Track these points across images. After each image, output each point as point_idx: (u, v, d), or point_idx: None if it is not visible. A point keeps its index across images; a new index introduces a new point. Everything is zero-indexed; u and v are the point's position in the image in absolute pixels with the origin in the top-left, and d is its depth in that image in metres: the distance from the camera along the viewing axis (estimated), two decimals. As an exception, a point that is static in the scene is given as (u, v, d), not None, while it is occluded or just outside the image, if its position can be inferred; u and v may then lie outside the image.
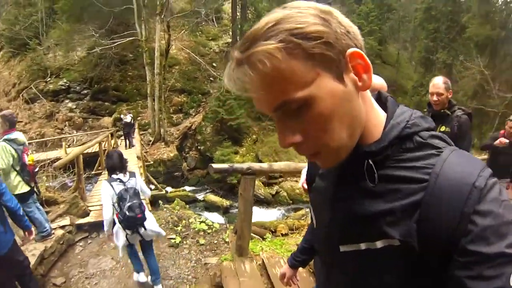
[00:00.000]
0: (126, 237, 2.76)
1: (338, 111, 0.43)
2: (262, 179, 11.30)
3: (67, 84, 14.44)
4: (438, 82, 2.46)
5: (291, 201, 10.77)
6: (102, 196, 2.66)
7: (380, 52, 19.26)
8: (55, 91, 14.44)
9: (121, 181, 2.63)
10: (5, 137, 3.30)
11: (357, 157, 0.48)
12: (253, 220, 8.84)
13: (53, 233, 4.02)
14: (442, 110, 2.48)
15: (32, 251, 3.59)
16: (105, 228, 2.73)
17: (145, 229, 2.72)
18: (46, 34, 17.14)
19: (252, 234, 4.44)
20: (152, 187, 8.12)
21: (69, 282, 3.70)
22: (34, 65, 15.67)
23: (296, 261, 1.16)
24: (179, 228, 4.96)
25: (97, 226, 4.83)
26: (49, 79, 14.89)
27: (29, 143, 5.00)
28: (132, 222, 2.61)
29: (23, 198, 3.51)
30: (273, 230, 5.81)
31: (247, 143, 11.90)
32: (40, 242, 3.80)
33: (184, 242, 4.65)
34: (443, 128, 2.49)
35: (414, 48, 22.59)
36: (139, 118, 12.64)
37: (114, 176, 2.67)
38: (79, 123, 13.34)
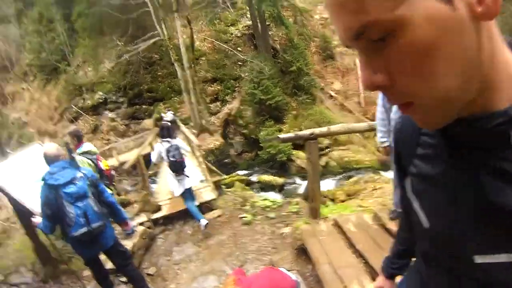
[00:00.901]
0: (177, 180, 4.25)
1: (441, 46, 0.29)
2: None
3: (103, 97, 15.05)
4: None
5: (341, 170, 10.65)
6: (155, 149, 4.29)
7: None
8: (94, 106, 15.15)
9: (168, 141, 4.14)
10: (78, 151, 3.47)
11: (489, 124, 0.34)
12: None
13: (136, 230, 4.26)
14: None
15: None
16: (153, 161, 4.40)
17: (186, 174, 4.28)
18: (72, 54, 17.87)
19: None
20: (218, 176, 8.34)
21: (159, 271, 3.98)
22: (69, 86, 16.48)
23: (393, 268, 0.91)
24: (247, 207, 5.12)
25: (171, 219, 5.15)
26: (85, 95, 15.61)
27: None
28: (176, 165, 4.14)
29: None
30: (332, 198, 5.91)
31: (289, 119, 11.79)
32: (127, 239, 4.04)
33: (255, 218, 4.78)
34: None
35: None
36: (178, 114, 12.91)
37: (164, 139, 4.18)
38: (123, 130, 13.96)
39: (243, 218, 4.80)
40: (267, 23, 12.72)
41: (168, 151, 4.11)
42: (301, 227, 3.51)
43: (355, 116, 13.56)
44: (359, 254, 2.91)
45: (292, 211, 4.70)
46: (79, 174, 2.49)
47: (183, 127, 10.00)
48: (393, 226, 3.07)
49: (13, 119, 18.15)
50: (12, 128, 16.98)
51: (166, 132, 4.24)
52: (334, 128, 3.37)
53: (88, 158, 3.46)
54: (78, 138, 3.59)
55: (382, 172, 10.81)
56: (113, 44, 15.03)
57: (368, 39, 0.31)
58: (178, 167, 4.18)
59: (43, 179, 2.46)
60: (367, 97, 14.38)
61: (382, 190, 5.39)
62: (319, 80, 13.34)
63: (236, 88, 12.96)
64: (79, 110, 15.33)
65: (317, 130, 3.08)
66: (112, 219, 2.87)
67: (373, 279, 2.55)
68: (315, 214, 3.54)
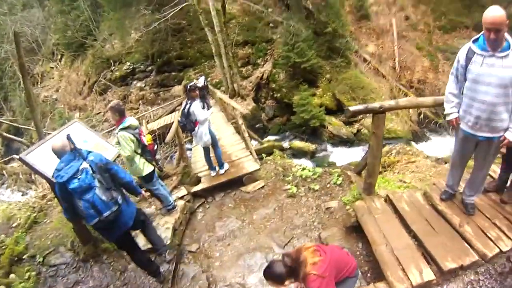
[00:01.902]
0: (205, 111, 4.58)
1: None
2: (342, 118, 10.89)
3: (131, 67, 15.05)
4: None
5: (373, 138, 10.37)
6: (196, 107, 4.42)
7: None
8: (122, 76, 15.17)
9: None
10: (120, 126, 3.34)
11: None
12: (341, 163, 8.50)
13: (176, 205, 4.11)
14: None
15: (165, 225, 3.73)
16: (204, 118, 4.53)
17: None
18: (98, 29, 17.90)
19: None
20: (255, 142, 8.14)
21: (202, 247, 3.77)
22: (97, 60, 16.59)
23: None
24: (289, 178, 4.88)
25: (210, 191, 4.94)
26: (113, 67, 15.67)
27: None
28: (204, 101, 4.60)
29: (150, 177, 3.63)
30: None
31: (322, 83, 11.40)
32: (168, 215, 3.93)
33: (299, 190, 4.56)
34: None
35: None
36: (209, 79, 12.75)
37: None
38: (152, 98, 13.99)
39: (288, 190, 4.60)
40: (299, -20, 12.11)
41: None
42: (356, 203, 3.39)
43: (388, 81, 12.95)
44: (414, 235, 2.88)
45: (337, 183, 4.52)
46: (82, 166, 2.40)
47: (219, 93, 9.79)
48: (444, 207, 3.02)
49: (43, 98, 18.59)
50: (44, 107, 17.39)
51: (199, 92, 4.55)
52: (402, 102, 3.34)
53: (131, 133, 3.33)
54: (120, 112, 3.38)
55: (413, 144, 10.39)
56: (140, 14, 14.84)
57: None
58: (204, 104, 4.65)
59: (53, 176, 2.48)
60: (401, 62, 13.67)
61: (416, 164, 5.21)
62: (353, 42, 12.71)
63: (268, 51, 12.59)
64: (107, 82, 15.43)
65: (386, 104, 2.99)
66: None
67: (428, 262, 2.58)
68: (371, 190, 3.42)
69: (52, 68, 20.74)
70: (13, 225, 4.09)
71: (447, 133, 10.91)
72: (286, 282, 1.90)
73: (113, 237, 2.76)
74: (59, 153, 2.49)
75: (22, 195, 7.96)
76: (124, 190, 2.79)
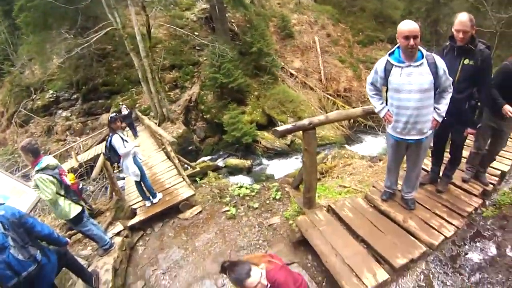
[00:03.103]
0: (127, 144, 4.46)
1: None
2: None
3: (55, 95, 13.95)
4: (465, 20, 2.49)
5: (306, 147, 10.93)
6: (117, 142, 4.33)
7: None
8: (45, 106, 13.98)
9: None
10: (36, 168, 3.02)
11: None
12: (279, 175, 8.65)
13: (114, 243, 3.88)
14: (466, 45, 2.54)
15: (104, 267, 3.50)
16: (124, 152, 4.40)
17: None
18: (16, 53, 16.41)
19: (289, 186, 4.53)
20: (189, 167, 8.04)
21: (149, 283, 3.56)
22: (15, 88, 15.11)
23: None
24: (227, 199, 4.86)
25: (148, 222, 4.74)
26: (34, 96, 14.38)
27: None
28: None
29: (79, 219, 3.38)
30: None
31: (251, 100, 11.81)
32: (106, 255, 3.68)
33: (238, 210, 4.51)
34: (466, 61, 2.57)
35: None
36: (137, 105, 12.40)
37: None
38: (80, 128, 13.04)
39: (227, 212, 4.52)
40: (224, 5, 12.56)
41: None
42: (298, 219, 3.37)
43: (316, 93, 13.91)
44: (362, 239, 2.92)
45: (276, 198, 4.52)
46: None
47: (147, 121, 9.54)
48: (387, 207, 3.15)
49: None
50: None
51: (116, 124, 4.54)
52: (331, 115, 3.30)
53: (49, 175, 3.01)
54: (33, 152, 2.98)
55: (347, 147, 11.17)
56: (61, 38, 13.91)
57: None
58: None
59: None
60: (327, 74, 14.83)
61: (353, 165, 5.44)
62: (279, 60, 13.47)
63: (195, 74, 12.69)
64: (28, 113, 14.11)
65: (315, 119, 2.95)
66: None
67: (380, 263, 2.62)
68: (311, 204, 3.42)
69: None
70: None
71: (377, 132, 11.84)
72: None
73: None
74: None
75: None
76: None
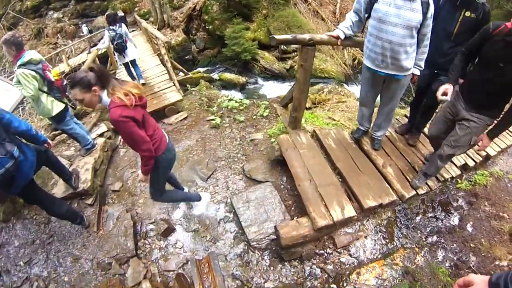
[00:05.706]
0: (117, 57, 5.59)
1: None
2: (275, 53, 10.91)
3: (45, -6, 12.31)
4: None
5: (306, 75, 10.91)
6: (105, 36, 5.18)
7: None
8: (35, 6, 12.47)
9: (114, 30, 5.10)
10: (18, 62, 2.84)
11: None
12: (273, 95, 8.63)
13: (96, 143, 3.84)
14: None
15: (84, 166, 3.53)
16: (102, 47, 5.65)
17: (126, 54, 5.41)
18: None
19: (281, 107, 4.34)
20: (182, 74, 7.93)
21: (126, 185, 3.58)
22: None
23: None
24: (214, 109, 4.81)
25: None
26: (23, -4, 12.75)
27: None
28: (119, 47, 5.21)
29: (61, 117, 3.30)
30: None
31: (258, 18, 11.19)
32: (87, 155, 3.69)
33: (223, 121, 4.42)
34: (468, 14, 2.42)
35: None
36: (136, 8, 11.42)
37: (111, 27, 5.10)
38: (72, 31, 11.90)
39: (211, 121, 4.41)
40: None
41: (114, 37, 5.12)
42: (280, 137, 3.28)
43: (327, 25, 13.25)
44: (339, 172, 2.88)
45: (263, 115, 4.39)
46: None
47: (144, 23, 9.03)
48: (370, 147, 3.10)
49: None
50: None
51: (112, 20, 5.10)
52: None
53: (32, 70, 2.89)
54: (16, 45, 2.81)
55: (345, 86, 11.23)
56: None
57: None
58: (120, 49, 5.26)
59: None
60: (342, 8, 13.88)
61: (346, 104, 5.39)
62: (295, -21, 12.36)
63: (202, -20, 11.58)
64: (16, 15, 12.58)
65: (317, 36, 2.73)
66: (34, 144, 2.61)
67: (350, 199, 2.65)
68: (296, 124, 3.31)
69: None
70: None
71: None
72: (95, 88, 1.82)
73: (14, 192, 2.44)
74: None
75: None
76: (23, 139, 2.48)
